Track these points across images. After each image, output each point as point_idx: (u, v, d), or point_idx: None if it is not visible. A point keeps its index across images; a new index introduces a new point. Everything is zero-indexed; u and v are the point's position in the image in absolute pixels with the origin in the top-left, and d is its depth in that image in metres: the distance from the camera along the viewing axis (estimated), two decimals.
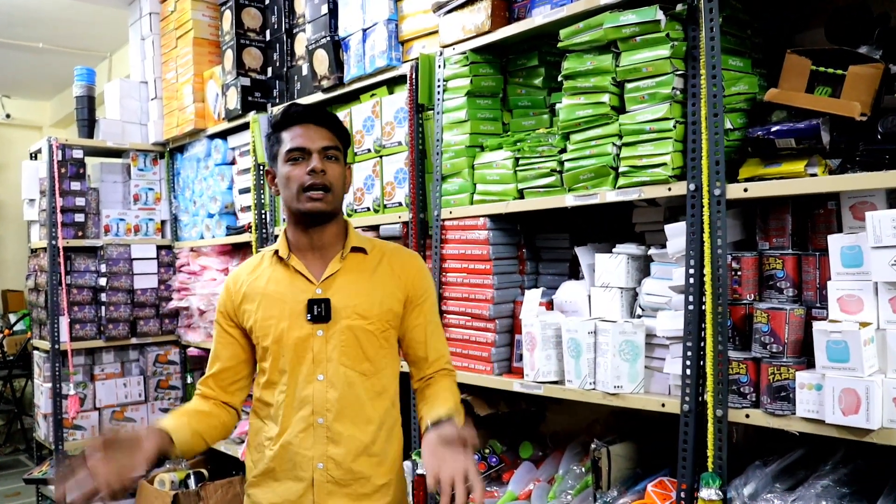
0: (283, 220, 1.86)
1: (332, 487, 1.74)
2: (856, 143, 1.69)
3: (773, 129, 1.78)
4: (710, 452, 1.81)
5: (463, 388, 2.61)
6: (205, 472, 4.08)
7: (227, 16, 3.76)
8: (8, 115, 8.26)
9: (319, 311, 1.75)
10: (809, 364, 1.70)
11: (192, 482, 3.97)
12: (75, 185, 4.17)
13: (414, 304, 1.86)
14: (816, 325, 1.63)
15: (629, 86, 2.00)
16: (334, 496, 1.74)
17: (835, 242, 1.68)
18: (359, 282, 1.80)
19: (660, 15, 1.89)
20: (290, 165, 1.73)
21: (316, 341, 1.76)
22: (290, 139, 1.74)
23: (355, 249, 1.83)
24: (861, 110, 1.68)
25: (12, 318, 7.66)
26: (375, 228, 2.94)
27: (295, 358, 1.76)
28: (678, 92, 1.92)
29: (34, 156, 4.52)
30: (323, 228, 1.79)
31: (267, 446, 1.79)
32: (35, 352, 4.50)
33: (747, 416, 1.77)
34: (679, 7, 1.90)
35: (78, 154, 4.20)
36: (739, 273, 1.83)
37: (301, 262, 1.80)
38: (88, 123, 4.44)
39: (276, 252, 1.83)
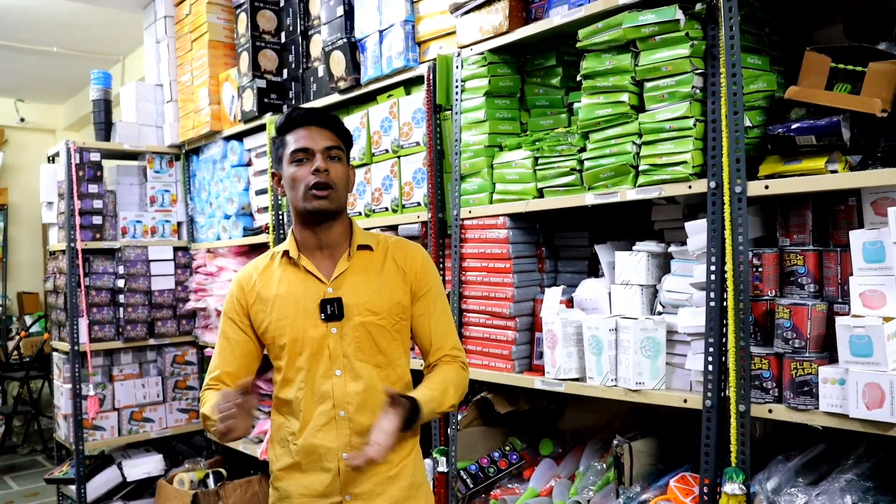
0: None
1: (357, 475, 1.80)
2: (877, 139, 1.71)
3: (794, 126, 1.79)
4: (733, 447, 1.82)
5: (484, 385, 2.65)
6: (223, 471, 4.12)
7: (243, 18, 3.79)
8: (22, 119, 8.32)
9: (332, 310, 1.81)
10: (832, 359, 1.71)
11: (210, 482, 4.01)
12: (93, 188, 4.21)
13: (417, 295, 1.92)
14: (839, 321, 1.64)
15: (648, 85, 2.02)
16: (359, 482, 1.81)
17: (856, 238, 1.69)
18: (367, 279, 1.86)
19: (679, 14, 1.90)
20: (295, 166, 1.80)
21: (331, 339, 1.82)
22: (293, 141, 1.81)
23: (361, 247, 1.89)
24: (882, 107, 1.69)
25: (28, 319, 7.73)
26: (394, 228, 2.96)
27: (312, 355, 1.82)
28: (698, 90, 1.93)
29: (52, 159, 4.56)
30: (329, 227, 1.85)
31: (290, 441, 1.85)
32: (54, 353, 4.55)
33: (770, 411, 1.78)
34: (698, 6, 1.92)
35: (95, 157, 4.24)
36: (761, 269, 1.84)
37: (311, 262, 1.86)
38: (105, 126, 4.47)
39: (286, 253, 1.88)
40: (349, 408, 1.81)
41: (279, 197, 3.61)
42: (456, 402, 1.88)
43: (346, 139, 1.88)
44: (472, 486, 2.53)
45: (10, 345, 7.20)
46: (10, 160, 8.23)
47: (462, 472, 2.57)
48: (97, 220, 4.24)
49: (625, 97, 2.07)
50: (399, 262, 1.91)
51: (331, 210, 1.80)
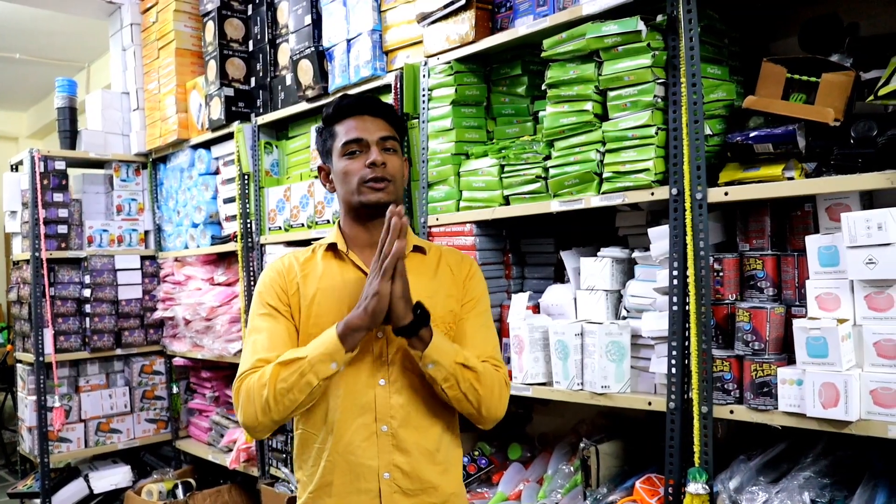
0: (337, 216, 1.75)
1: (401, 498, 1.62)
2: (830, 147, 1.76)
3: (752, 134, 1.84)
4: (696, 448, 1.86)
5: None
6: (192, 481, 4.09)
7: (210, 26, 3.79)
8: None
9: None
10: (790, 360, 1.77)
11: (179, 492, 3.98)
12: (58, 197, 4.16)
13: (463, 303, 1.75)
14: (797, 323, 1.69)
15: (611, 94, 2.06)
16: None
17: (812, 243, 1.75)
18: (421, 282, 1.67)
19: (641, 25, 1.95)
20: (348, 159, 1.65)
21: (376, 344, 1.63)
22: (345, 132, 1.67)
23: (416, 249, 1.74)
24: (835, 116, 1.75)
25: None
26: None
27: (353, 360, 1.59)
28: (659, 99, 1.98)
29: (15, 167, 4.50)
30: (382, 223, 1.61)
31: (323, 458, 1.64)
32: (18, 364, 4.48)
33: (731, 412, 1.83)
34: (659, 18, 1.97)
35: (60, 165, 4.19)
36: (721, 274, 1.89)
37: (359, 257, 1.69)
38: (70, 135, 4.43)
39: (331, 246, 1.71)
40: (392, 422, 1.61)
41: (256, 204, 3.60)
42: (478, 386, 1.60)
43: (400, 128, 1.74)
44: None
45: None
46: None
47: None
48: (62, 229, 4.19)
49: (588, 106, 2.11)
50: (452, 268, 1.76)
51: (388, 203, 1.61)
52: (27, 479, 4.32)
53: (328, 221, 3.10)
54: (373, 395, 1.61)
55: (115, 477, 4.25)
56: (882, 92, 1.70)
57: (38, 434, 4.05)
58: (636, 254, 2.16)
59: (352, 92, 3.00)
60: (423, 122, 2.64)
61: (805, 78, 1.84)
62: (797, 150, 1.79)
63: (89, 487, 4.18)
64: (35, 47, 6.16)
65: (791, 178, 1.79)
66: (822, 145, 1.80)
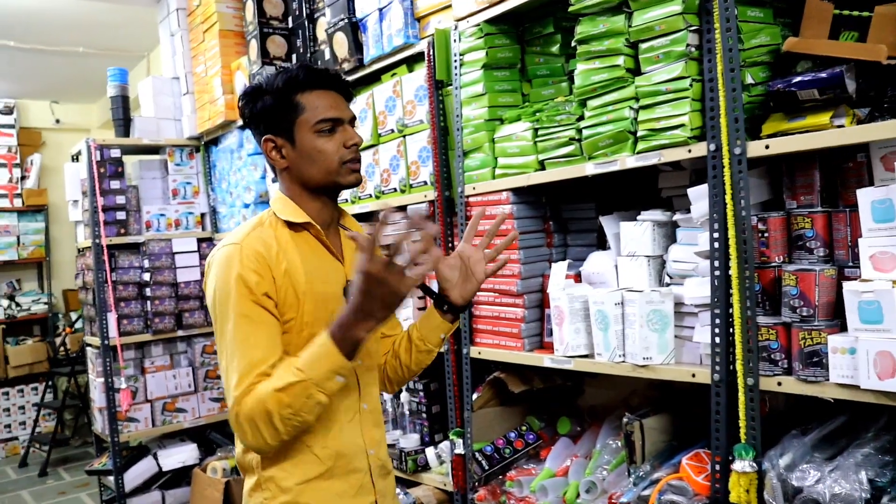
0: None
1: (379, 471, 1.67)
2: (884, 88, 1.59)
3: (794, 80, 1.68)
4: (742, 423, 1.73)
5: (495, 365, 2.59)
6: None
7: (250, 6, 3.76)
8: (57, 121, 8.45)
9: None
10: (842, 327, 1.61)
11: None
12: (115, 184, 4.24)
13: None
14: (846, 286, 1.54)
15: (643, 46, 1.92)
16: (381, 479, 1.68)
17: (864, 197, 1.58)
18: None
19: None
20: (322, 137, 1.56)
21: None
22: (320, 108, 1.56)
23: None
24: (888, 53, 1.57)
25: (73, 315, 7.88)
26: (403, 209, 2.91)
27: None
28: (693, 49, 1.82)
29: (76, 158, 4.61)
30: (337, 202, 1.69)
31: (312, 447, 1.55)
32: (87, 348, 4.62)
33: (779, 383, 1.69)
34: None
35: (116, 153, 4.26)
36: (766, 234, 1.74)
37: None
38: (124, 122, 4.50)
39: (300, 225, 1.59)
40: (370, 398, 1.65)
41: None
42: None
43: None
44: (486, 467, 2.48)
45: (58, 341, 7.36)
46: (48, 161, 8.34)
47: (477, 454, 2.52)
48: (121, 215, 4.27)
49: (620, 60, 1.97)
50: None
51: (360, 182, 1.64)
52: (102, 457, 4.46)
53: (370, 195, 3.05)
54: (355, 375, 1.60)
55: (182, 455, 4.36)
56: None
57: (107, 415, 4.18)
58: (677, 216, 2.02)
59: (387, 62, 2.93)
60: (456, 88, 2.54)
61: (856, 13, 1.66)
62: (846, 94, 1.62)
63: (158, 465, 4.29)
64: (96, 40, 6.28)
65: (841, 126, 1.62)
66: (875, 87, 1.62)
